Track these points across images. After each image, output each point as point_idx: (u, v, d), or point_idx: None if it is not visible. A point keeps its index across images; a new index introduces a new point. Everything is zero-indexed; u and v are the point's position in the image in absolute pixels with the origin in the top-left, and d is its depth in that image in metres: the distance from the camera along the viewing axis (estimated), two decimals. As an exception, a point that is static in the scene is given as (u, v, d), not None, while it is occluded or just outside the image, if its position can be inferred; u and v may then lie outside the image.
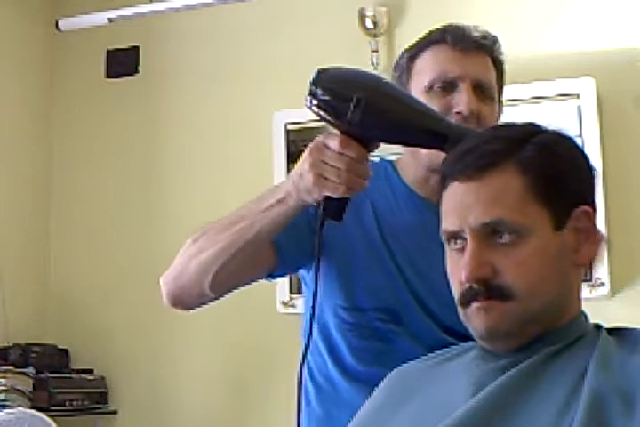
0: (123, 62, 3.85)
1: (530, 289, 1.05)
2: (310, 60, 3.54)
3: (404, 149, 1.51)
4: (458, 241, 1.09)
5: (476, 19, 3.53)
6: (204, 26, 3.74)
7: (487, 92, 1.46)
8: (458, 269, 1.09)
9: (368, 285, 1.44)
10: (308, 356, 1.49)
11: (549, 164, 1.08)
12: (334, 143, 1.20)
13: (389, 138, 1.23)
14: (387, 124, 1.19)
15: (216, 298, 1.45)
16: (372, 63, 3.38)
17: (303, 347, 1.27)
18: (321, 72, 1.21)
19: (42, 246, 3.82)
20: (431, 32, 1.51)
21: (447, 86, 1.42)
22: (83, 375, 3.55)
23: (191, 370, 3.55)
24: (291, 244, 1.41)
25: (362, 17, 3.40)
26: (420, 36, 1.51)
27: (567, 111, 3.06)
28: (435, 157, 1.39)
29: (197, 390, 3.52)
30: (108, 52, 3.88)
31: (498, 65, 1.52)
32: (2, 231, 3.60)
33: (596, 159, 2.93)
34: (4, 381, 3.24)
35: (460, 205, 1.08)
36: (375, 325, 1.43)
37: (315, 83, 1.21)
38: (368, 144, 1.21)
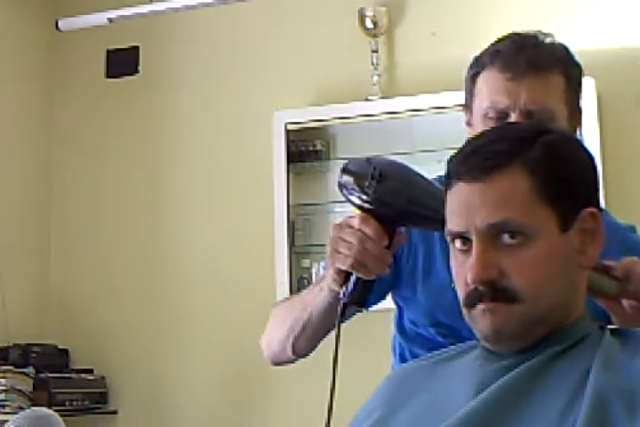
0: (123, 62, 3.85)
1: (536, 291, 1.05)
2: (310, 60, 3.55)
3: None
4: (463, 242, 1.09)
5: (475, 19, 3.55)
6: (204, 26, 3.74)
7: (544, 115, 1.41)
8: (463, 271, 1.08)
9: (426, 302, 1.46)
10: (392, 362, 1.58)
11: (556, 165, 1.08)
12: (354, 221, 1.24)
13: (406, 218, 1.26)
14: (400, 198, 1.22)
15: (306, 356, 1.55)
16: (372, 63, 3.39)
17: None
18: (350, 161, 1.28)
19: (42, 246, 3.82)
20: (493, 45, 1.47)
21: (500, 116, 1.40)
22: (83, 375, 3.55)
23: (191, 370, 3.55)
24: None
25: (362, 17, 3.40)
26: (487, 46, 1.48)
27: (567, 111, 3.06)
28: None
29: (197, 390, 3.52)
30: (108, 52, 3.88)
31: (568, 75, 1.48)
32: (2, 231, 3.60)
33: (596, 159, 2.93)
34: (3, 381, 3.24)
35: (466, 206, 1.07)
36: (438, 339, 1.45)
37: (342, 169, 1.28)
38: (391, 230, 1.24)
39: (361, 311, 1.32)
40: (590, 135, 2.99)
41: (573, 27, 3.19)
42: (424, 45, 3.39)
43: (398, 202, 1.22)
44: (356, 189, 1.24)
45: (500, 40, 1.47)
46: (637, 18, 3.12)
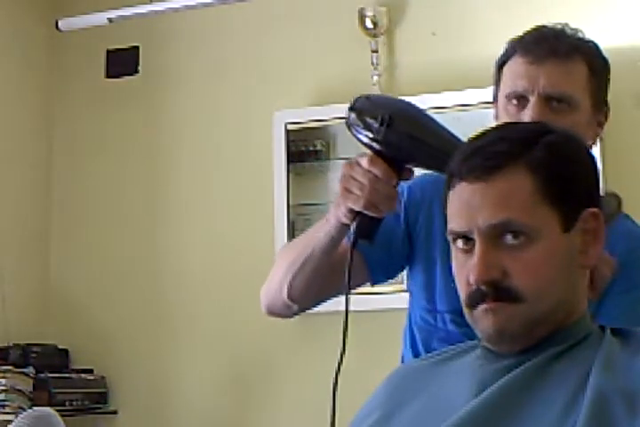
0: (123, 62, 3.85)
1: (538, 291, 1.05)
2: (310, 60, 3.55)
3: None
4: (465, 242, 1.09)
5: (475, 19, 3.55)
6: (204, 26, 3.74)
7: (563, 103, 1.40)
8: (464, 270, 1.08)
9: (445, 286, 1.46)
10: (402, 352, 1.57)
11: (559, 165, 1.08)
12: (364, 161, 1.27)
13: (414, 159, 1.28)
14: (410, 143, 1.25)
15: (305, 308, 1.55)
16: (372, 63, 3.39)
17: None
18: (358, 98, 1.29)
19: (42, 246, 3.82)
20: (521, 36, 1.48)
21: (520, 100, 1.41)
22: (83, 375, 3.55)
23: (191, 370, 3.54)
24: (375, 251, 1.46)
25: (362, 17, 3.40)
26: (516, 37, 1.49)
27: (567, 111, 3.05)
28: None
29: (197, 390, 3.51)
30: (108, 52, 3.88)
31: (592, 66, 1.45)
32: (2, 231, 3.60)
33: (596, 159, 2.93)
34: (4, 381, 3.24)
35: (468, 206, 1.07)
36: (449, 328, 1.46)
37: (351, 107, 1.28)
38: (399, 168, 1.28)
39: (369, 245, 1.33)
40: (590, 135, 2.99)
41: (573, 27, 3.19)
42: (424, 45, 3.39)
43: (407, 144, 1.26)
44: (366, 130, 1.27)
45: (527, 32, 1.48)
46: (637, 17, 3.12)
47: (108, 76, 3.88)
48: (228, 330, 3.49)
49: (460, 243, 1.09)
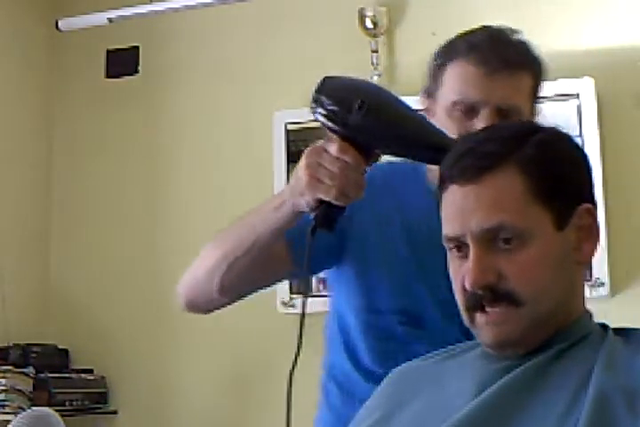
0: (123, 62, 3.85)
1: (536, 293, 1.05)
2: (310, 60, 3.55)
3: None
4: (459, 246, 1.08)
5: (475, 19, 3.53)
6: (204, 26, 3.74)
7: (511, 112, 1.41)
8: (460, 275, 1.08)
9: (388, 286, 1.44)
10: (329, 357, 1.54)
11: (549, 163, 1.08)
12: (332, 147, 1.20)
13: (387, 146, 1.23)
14: (385, 130, 1.20)
15: (231, 302, 1.48)
16: (372, 63, 3.38)
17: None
18: (325, 80, 1.22)
19: (42, 246, 3.82)
20: (464, 35, 1.46)
21: (469, 110, 1.39)
22: (83, 375, 3.55)
23: (191, 370, 3.54)
24: (304, 244, 1.40)
25: (362, 17, 3.40)
26: (458, 34, 1.45)
27: (567, 111, 3.06)
28: None
29: (197, 389, 3.51)
30: (108, 52, 3.88)
31: (536, 76, 1.49)
32: (2, 231, 3.60)
33: (595, 159, 2.93)
34: (4, 381, 3.24)
35: (461, 210, 1.07)
36: (394, 327, 1.44)
37: (318, 90, 1.21)
38: (367, 154, 1.22)
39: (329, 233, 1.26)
40: (590, 135, 2.99)
41: (573, 27, 3.19)
42: (424, 45, 3.37)
43: (381, 131, 1.20)
44: (336, 115, 1.20)
45: (472, 32, 1.46)
46: (637, 18, 3.12)
47: (108, 76, 3.88)
48: (229, 330, 3.49)
49: (454, 249, 1.09)
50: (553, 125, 1.14)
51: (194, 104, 3.72)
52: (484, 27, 1.46)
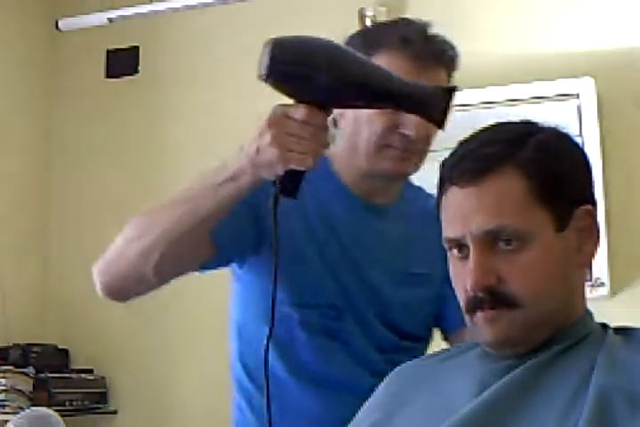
0: (123, 62, 3.85)
1: (535, 294, 1.04)
2: (310, 60, 3.54)
3: (343, 145, 1.48)
4: (460, 248, 1.08)
5: (475, 19, 3.55)
6: (204, 26, 3.74)
7: None
8: (462, 277, 1.08)
9: (313, 280, 1.41)
10: (244, 360, 1.48)
11: (549, 164, 1.07)
12: (299, 113, 1.15)
13: (354, 101, 1.18)
14: (353, 86, 1.14)
15: (161, 285, 1.38)
16: (372, 63, 3.38)
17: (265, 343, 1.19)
18: (274, 44, 1.12)
19: (42, 246, 3.82)
20: (394, 24, 1.46)
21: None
22: (83, 375, 3.55)
23: (191, 370, 3.54)
24: (229, 233, 1.34)
25: (362, 17, 3.40)
26: (383, 23, 1.45)
27: (567, 111, 3.06)
28: (374, 164, 1.40)
29: (197, 389, 3.51)
30: (108, 52, 3.88)
31: (450, 77, 1.46)
32: (2, 231, 3.60)
33: (596, 159, 2.93)
34: (4, 381, 3.24)
35: (461, 212, 1.07)
36: (324, 322, 1.41)
37: (273, 56, 1.12)
38: (327, 111, 1.17)
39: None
40: (590, 135, 2.99)
41: (574, 27, 3.19)
42: (424, 45, 3.39)
43: (349, 89, 1.14)
44: (302, 81, 1.13)
45: (400, 24, 1.46)
46: (637, 18, 3.12)
47: (108, 76, 3.88)
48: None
49: (455, 250, 1.09)
50: (553, 125, 1.13)
51: (194, 104, 3.72)
52: (407, 19, 1.47)
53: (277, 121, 1.16)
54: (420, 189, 1.58)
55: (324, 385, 1.25)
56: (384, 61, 1.37)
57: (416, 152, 1.42)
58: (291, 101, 1.18)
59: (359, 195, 1.47)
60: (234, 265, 1.48)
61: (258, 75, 1.15)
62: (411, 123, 1.38)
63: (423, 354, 1.52)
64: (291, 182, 1.17)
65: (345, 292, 1.43)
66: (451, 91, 1.16)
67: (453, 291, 1.53)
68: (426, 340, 1.56)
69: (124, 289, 1.41)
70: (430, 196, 1.57)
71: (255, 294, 1.46)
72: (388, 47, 1.40)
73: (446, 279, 1.56)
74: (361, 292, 1.44)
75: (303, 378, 1.43)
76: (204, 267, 1.40)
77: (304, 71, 1.12)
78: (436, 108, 1.15)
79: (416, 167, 1.45)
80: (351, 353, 1.43)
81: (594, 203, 1.11)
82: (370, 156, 1.42)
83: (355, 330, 1.44)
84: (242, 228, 1.35)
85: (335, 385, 1.42)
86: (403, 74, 1.32)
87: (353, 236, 1.45)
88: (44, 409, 2.61)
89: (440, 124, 1.17)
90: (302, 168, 1.15)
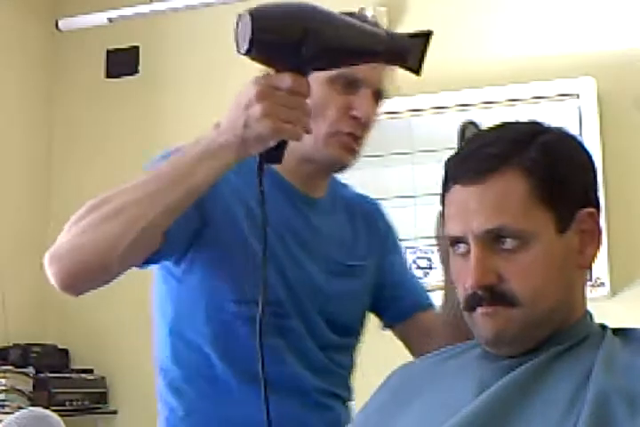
0: (123, 62, 3.85)
1: (535, 294, 1.05)
2: (310, 60, 3.55)
3: None
4: (461, 246, 1.08)
5: (475, 19, 3.55)
6: (205, 26, 3.74)
7: (381, 98, 1.44)
8: (463, 275, 1.08)
9: (256, 276, 1.27)
10: (181, 363, 1.39)
11: (553, 166, 1.07)
12: (285, 82, 1.10)
13: (338, 65, 1.18)
14: (336, 51, 1.11)
15: (112, 278, 1.26)
16: (372, 63, 3.38)
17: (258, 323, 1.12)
18: (256, 15, 1.10)
19: (42, 247, 3.81)
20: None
21: (351, 85, 1.39)
22: (83, 375, 3.55)
23: (191, 370, 3.54)
24: (178, 225, 1.26)
25: (362, 17, 3.40)
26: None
27: (567, 111, 3.06)
28: (321, 149, 1.38)
29: (197, 390, 3.51)
30: (108, 52, 3.88)
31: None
32: (1, 231, 3.60)
33: (596, 159, 2.93)
34: (4, 381, 3.24)
35: (463, 211, 1.07)
36: (271, 320, 1.31)
37: (252, 27, 1.09)
38: (306, 77, 1.13)
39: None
40: (590, 135, 2.99)
41: (574, 27, 3.19)
42: (424, 45, 3.38)
43: (333, 54, 1.11)
44: (285, 50, 1.09)
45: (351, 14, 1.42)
46: (637, 19, 3.12)
47: (108, 76, 3.88)
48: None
49: (457, 248, 1.09)
50: (559, 127, 1.13)
51: (194, 104, 3.72)
52: (350, 13, 1.42)
53: (266, 92, 1.11)
54: (334, 179, 1.53)
55: (272, 388, 1.12)
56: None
57: (362, 141, 1.43)
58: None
59: (295, 186, 1.44)
60: (169, 264, 1.39)
61: (238, 49, 1.13)
62: (362, 105, 1.38)
63: (355, 351, 1.51)
64: (276, 149, 1.14)
65: (289, 288, 1.38)
66: (427, 37, 1.17)
67: (405, 277, 1.54)
68: (359, 334, 1.53)
69: (83, 278, 1.27)
70: (345, 186, 1.58)
71: (199, 293, 1.37)
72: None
73: (391, 267, 1.56)
74: (303, 288, 1.39)
75: (248, 380, 1.33)
76: (149, 260, 1.30)
77: (287, 40, 1.08)
78: (414, 57, 1.18)
79: (356, 161, 1.44)
80: (298, 353, 1.38)
81: (597, 206, 1.11)
82: (318, 140, 1.38)
83: (299, 328, 1.39)
84: (186, 212, 1.26)
85: (283, 388, 1.33)
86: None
87: (292, 229, 1.41)
88: (39, 409, 2.60)
89: (417, 71, 1.20)
90: (294, 139, 1.12)
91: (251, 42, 1.10)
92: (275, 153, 1.14)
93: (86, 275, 1.26)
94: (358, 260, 1.51)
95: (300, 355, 1.39)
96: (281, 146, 1.14)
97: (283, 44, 1.09)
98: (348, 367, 1.51)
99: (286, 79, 1.10)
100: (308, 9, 1.10)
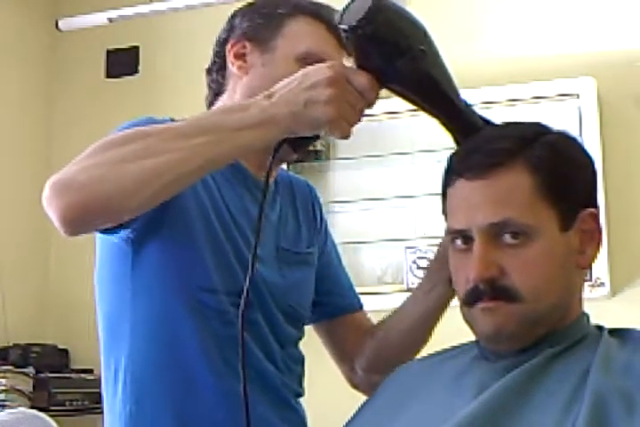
0: (123, 62, 3.85)
1: (535, 290, 1.05)
2: (310, 60, 3.55)
3: (243, 97, 1.46)
4: (463, 239, 1.09)
5: (475, 19, 3.55)
6: (204, 26, 3.73)
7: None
8: (463, 268, 1.08)
9: (225, 263, 1.29)
10: (140, 358, 1.37)
11: (558, 164, 1.08)
12: (360, 82, 1.09)
13: (414, 95, 1.15)
14: (423, 83, 1.11)
15: (122, 220, 1.20)
16: (372, 63, 3.38)
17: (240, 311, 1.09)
18: (379, 9, 1.04)
19: (42, 246, 3.82)
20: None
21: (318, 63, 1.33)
22: (83, 375, 3.55)
23: (191, 370, 3.54)
24: None
25: (362, 17, 3.40)
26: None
27: (567, 111, 3.06)
28: None
29: (197, 390, 3.51)
30: (108, 52, 3.88)
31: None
32: (2, 231, 3.60)
33: (596, 159, 2.93)
34: (4, 381, 3.24)
35: (467, 204, 1.08)
36: (236, 311, 1.19)
37: (371, 16, 1.03)
38: (381, 87, 1.13)
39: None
40: (590, 135, 2.99)
41: (574, 27, 3.19)
42: (424, 45, 3.38)
43: (419, 84, 1.10)
44: (387, 54, 1.06)
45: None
46: (637, 19, 3.12)
47: (108, 76, 3.88)
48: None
49: (458, 242, 1.10)
50: (561, 129, 1.14)
51: (194, 104, 3.70)
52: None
53: (340, 83, 1.07)
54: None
55: (237, 378, 1.09)
56: (308, 27, 1.37)
57: None
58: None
59: (250, 170, 1.40)
60: (121, 243, 1.34)
61: (340, 21, 1.05)
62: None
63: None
64: (304, 140, 1.13)
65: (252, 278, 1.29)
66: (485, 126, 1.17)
67: (342, 272, 1.53)
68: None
69: (94, 214, 1.18)
70: (281, 168, 1.52)
71: (160, 275, 1.31)
72: (302, 14, 1.38)
73: (329, 259, 1.53)
74: (261, 278, 1.33)
75: (216, 373, 1.28)
76: (119, 227, 1.23)
77: (394, 47, 1.05)
78: (470, 134, 1.16)
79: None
80: (262, 347, 1.33)
81: (597, 207, 1.11)
82: None
83: (261, 321, 1.34)
84: None
85: (256, 385, 1.28)
86: (326, 43, 1.34)
87: (245, 216, 1.36)
88: (28, 410, 2.60)
89: (457, 142, 1.18)
90: (340, 137, 1.10)
91: (368, 20, 1.02)
92: (301, 142, 1.13)
93: (98, 210, 1.15)
94: (305, 247, 1.46)
95: (264, 349, 1.34)
96: (312, 139, 1.13)
97: (391, 42, 1.06)
98: (301, 362, 1.47)
99: (363, 79, 1.09)
100: (427, 32, 1.11)
